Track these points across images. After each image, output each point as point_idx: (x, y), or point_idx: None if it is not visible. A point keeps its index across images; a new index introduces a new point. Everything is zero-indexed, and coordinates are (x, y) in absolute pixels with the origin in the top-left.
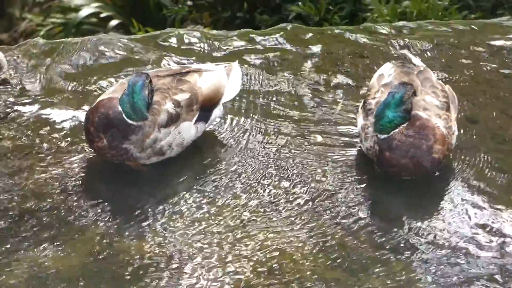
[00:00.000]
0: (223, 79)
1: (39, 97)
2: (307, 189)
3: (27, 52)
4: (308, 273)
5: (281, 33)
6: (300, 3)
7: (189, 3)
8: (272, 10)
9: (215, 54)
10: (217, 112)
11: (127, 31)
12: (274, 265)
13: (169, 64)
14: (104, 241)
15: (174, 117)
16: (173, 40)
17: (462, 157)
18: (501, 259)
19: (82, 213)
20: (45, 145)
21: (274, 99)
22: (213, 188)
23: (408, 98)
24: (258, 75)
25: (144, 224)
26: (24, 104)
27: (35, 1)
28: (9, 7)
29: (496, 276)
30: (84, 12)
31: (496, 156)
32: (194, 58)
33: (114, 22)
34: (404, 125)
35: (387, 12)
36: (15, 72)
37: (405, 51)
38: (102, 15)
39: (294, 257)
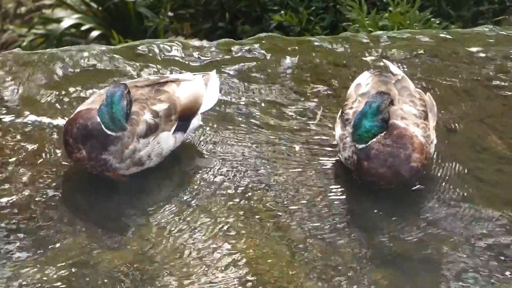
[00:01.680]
0: (201, 89)
1: (18, 108)
2: (286, 198)
3: (5, 63)
4: (288, 283)
5: (260, 43)
6: (282, 12)
7: (170, 14)
8: (253, 21)
9: (193, 64)
10: (196, 122)
11: (108, 43)
12: (254, 276)
13: (147, 74)
14: (84, 252)
15: (153, 127)
16: (152, 50)
17: (441, 166)
18: (483, 269)
19: (61, 224)
20: (23, 156)
21: (253, 108)
22: (193, 198)
23: (385, 108)
24: (236, 85)
25: (124, 235)
26: (1, 115)
27: (17, 13)
28: None
29: None
30: (65, 24)
31: (475, 165)
32: (172, 68)
33: (95, 34)
34: (382, 134)
35: (368, 23)
36: None
37: (384, 60)
38: (83, 27)
39: (273, 268)
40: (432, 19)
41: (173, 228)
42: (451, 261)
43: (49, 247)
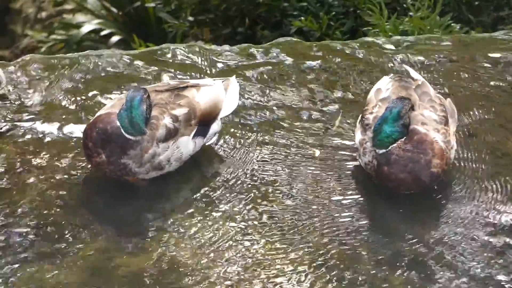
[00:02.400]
0: (221, 94)
1: (38, 113)
2: (305, 203)
3: (26, 68)
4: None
5: (280, 47)
6: (302, 18)
7: (190, 18)
8: (273, 26)
9: (213, 69)
10: (215, 127)
11: (128, 47)
12: (272, 281)
13: (167, 79)
14: (103, 256)
15: (172, 131)
16: (171, 55)
17: (461, 171)
18: (504, 275)
19: (81, 228)
20: (43, 160)
21: (272, 113)
22: (213, 202)
23: (405, 113)
24: (256, 90)
25: (143, 239)
26: (22, 120)
27: (37, 18)
28: (11, 24)
29: None
30: (85, 29)
31: (495, 170)
32: (192, 73)
33: (115, 38)
34: (402, 139)
35: (389, 28)
36: (14, 88)
37: (404, 65)
38: (103, 32)
39: (292, 272)
40: (452, 25)
41: (192, 232)
42: (471, 267)
43: (68, 251)
